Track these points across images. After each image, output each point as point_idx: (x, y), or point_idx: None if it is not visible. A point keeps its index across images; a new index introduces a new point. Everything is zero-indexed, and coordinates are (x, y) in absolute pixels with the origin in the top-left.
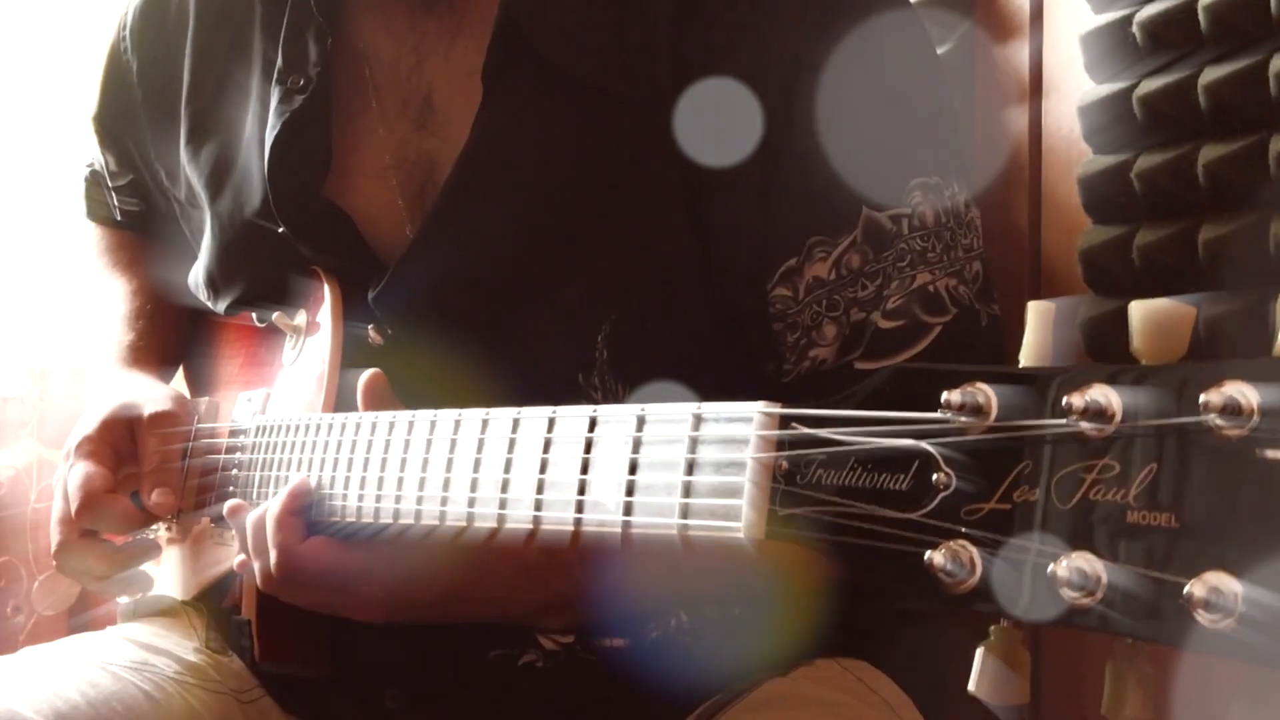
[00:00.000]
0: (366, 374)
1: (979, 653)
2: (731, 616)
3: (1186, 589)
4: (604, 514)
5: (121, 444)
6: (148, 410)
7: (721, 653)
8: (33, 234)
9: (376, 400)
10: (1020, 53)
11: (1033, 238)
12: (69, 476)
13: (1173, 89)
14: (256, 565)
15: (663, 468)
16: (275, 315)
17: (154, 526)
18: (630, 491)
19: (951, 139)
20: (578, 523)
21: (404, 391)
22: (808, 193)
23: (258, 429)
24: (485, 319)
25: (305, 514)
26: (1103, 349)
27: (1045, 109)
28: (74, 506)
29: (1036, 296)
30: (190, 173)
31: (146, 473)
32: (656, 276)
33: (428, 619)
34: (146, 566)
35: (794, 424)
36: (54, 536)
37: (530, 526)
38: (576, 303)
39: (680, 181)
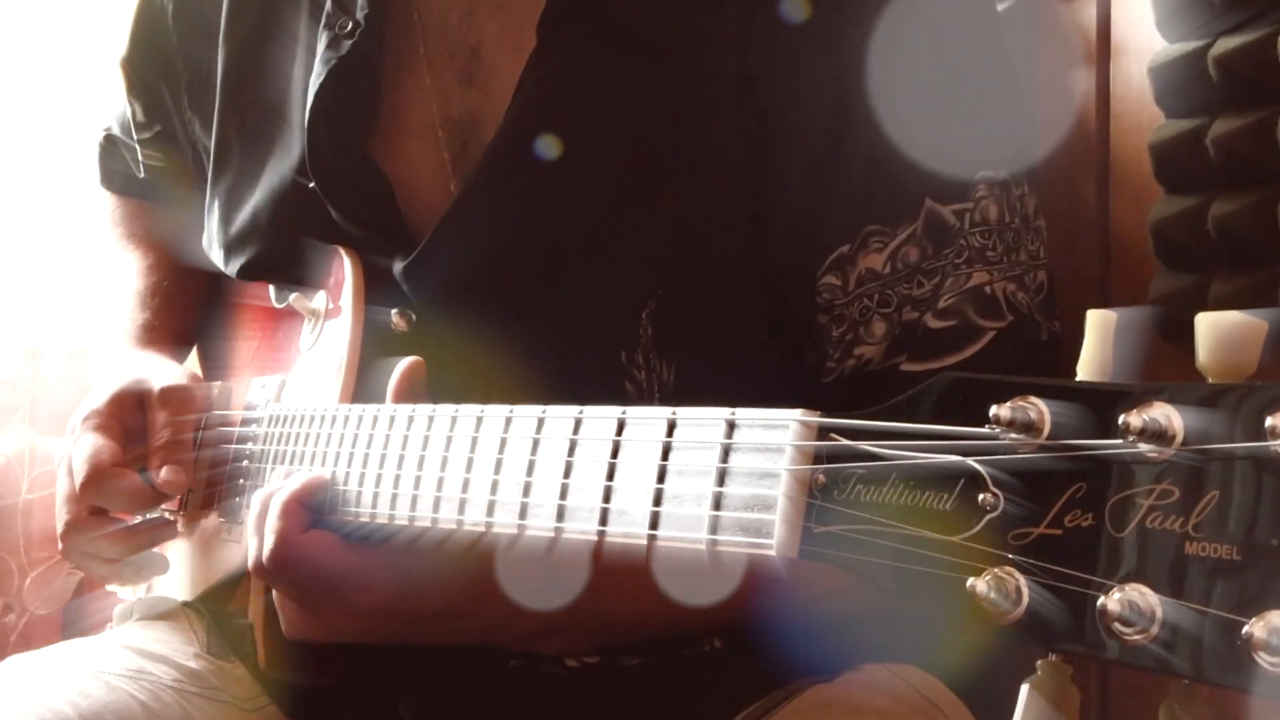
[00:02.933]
0: (406, 361)
1: (1024, 689)
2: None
3: (1246, 629)
4: (629, 523)
5: (132, 420)
6: (159, 384)
7: (760, 665)
8: (26, 208)
9: (411, 392)
10: (1087, 9)
11: (1100, 209)
12: (74, 450)
13: (1252, 48)
14: (251, 544)
15: (693, 476)
16: (293, 296)
17: (162, 510)
18: (658, 501)
19: (1023, 136)
20: (601, 533)
21: (432, 378)
22: (868, 177)
23: (271, 418)
24: (526, 290)
25: (315, 507)
26: (1176, 328)
27: (1114, 70)
28: (79, 481)
29: (1105, 273)
30: (224, 118)
31: (156, 448)
32: (707, 250)
33: (415, 636)
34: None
35: (833, 435)
36: (60, 515)
37: (550, 534)
38: (623, 274)
39: (739, 151)
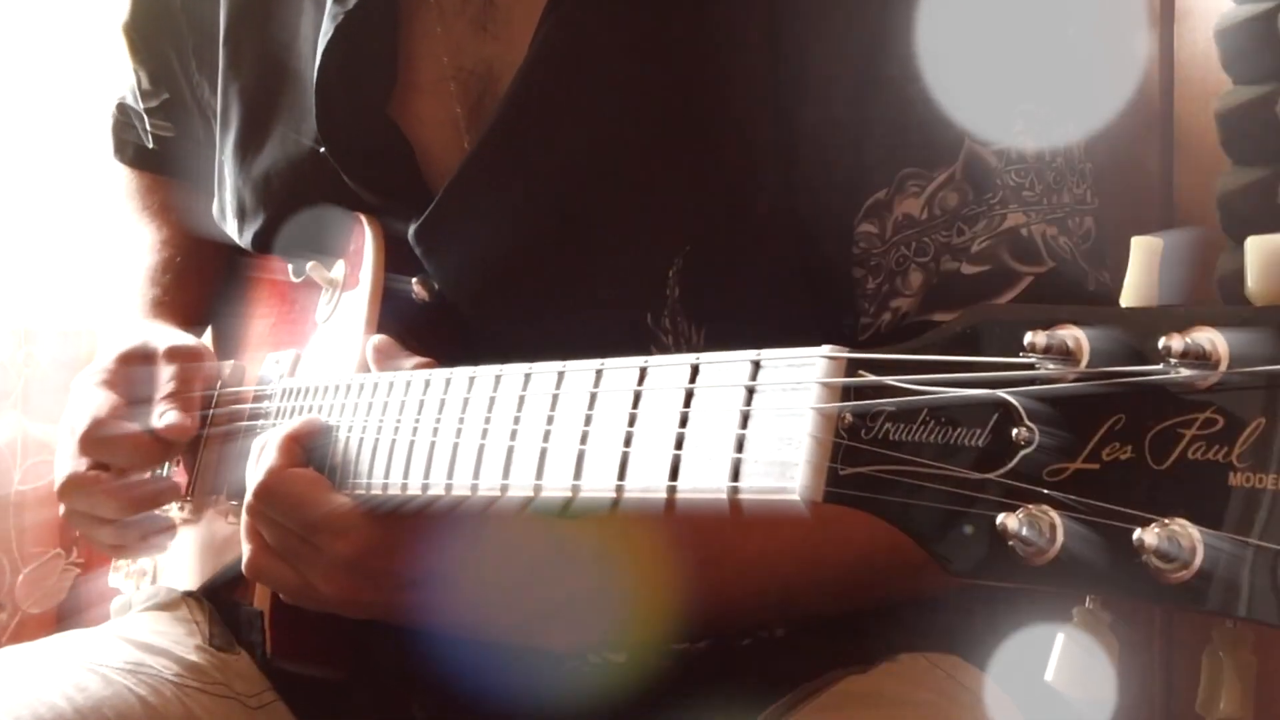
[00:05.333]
0: (372, 339)
1: (1059, 638)
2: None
3: None
4: (649, 474)
5: (138, 379)
6: (166, 344)
7: (790, 657)
8: (18, 184)
9: (391, 366)
10: None
11: (1164, 180)
12: (75, 407)
13: None
14: (248, 485)
15: (715, 420)
16: (310, 266)
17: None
18: (679, 446)
19: (1070, 74)
20: (620, 488)
21: (450, 348)
22: (903, 117)
23: (284, 392)
24: (545, 251)
25: (310, 448)
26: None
27: (1178, 34)
28: (78, 434)
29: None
30: (227, 81)
31: (160, 399)
32: (737, 204)
33: (398, 608)
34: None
35: (861, 371)
36: (58, 472)
37: (568, 494)
38: (648, 232)
39: (768, 99)
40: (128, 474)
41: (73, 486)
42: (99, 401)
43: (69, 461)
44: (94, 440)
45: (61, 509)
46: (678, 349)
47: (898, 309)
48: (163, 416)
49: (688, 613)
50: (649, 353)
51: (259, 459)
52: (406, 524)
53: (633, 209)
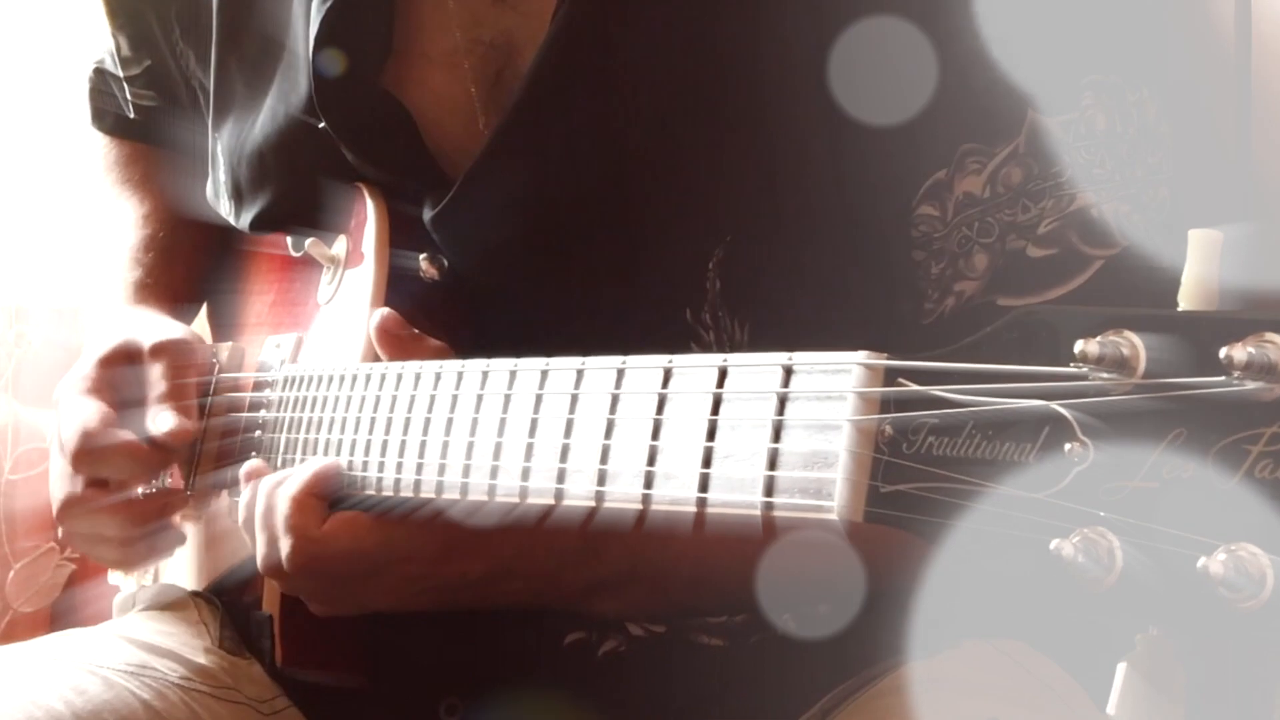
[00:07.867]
0: (376, 315)
1: (1120, 668)
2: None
3: None
4: (676, 488)
5: (123, 382)
6: (150, 341)
7: (848, 643)
8: (9, 155)
9: (399, 346)
10: None
11: (1240, 144)
12: (62, 421)
13: None
14: (259, 541)
15: (745, 431)
16: (309, 242)
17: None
18: (707, 461)
19: (1143, 32)
20: (645, 499)
21: (470, 341)
22: (961, 89)
23: (285, 380)
24: (573, 243)
25: (329, 496)
26: None
27: None
28: (70, 451)
29: (1245, 216)
30: (221, 54)
31: (153, 401)
32: (783, 189)
33: (466, 602)
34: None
35: (901, 380)
36: (55, 496)
37: (591, 503)
38: (686, 220)
39: (819, 73)
40: (127, 486)
41: (71, 509)
42: (86, 412)
43: (63, 482)
44: (87, 456)
45: (60, 531)
46: (719, 347)
47: (962, 293)
48: (158, 421)
49: (716, 583)
50: (688, 351)
51: (270, 519)
52: (457, 526)
53: (667, 196)
